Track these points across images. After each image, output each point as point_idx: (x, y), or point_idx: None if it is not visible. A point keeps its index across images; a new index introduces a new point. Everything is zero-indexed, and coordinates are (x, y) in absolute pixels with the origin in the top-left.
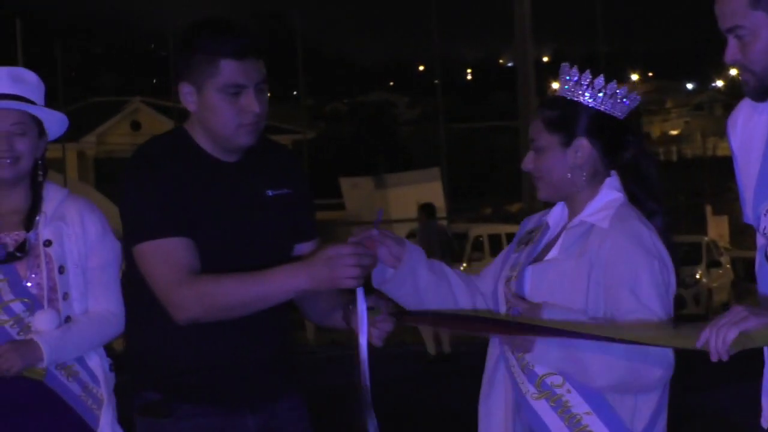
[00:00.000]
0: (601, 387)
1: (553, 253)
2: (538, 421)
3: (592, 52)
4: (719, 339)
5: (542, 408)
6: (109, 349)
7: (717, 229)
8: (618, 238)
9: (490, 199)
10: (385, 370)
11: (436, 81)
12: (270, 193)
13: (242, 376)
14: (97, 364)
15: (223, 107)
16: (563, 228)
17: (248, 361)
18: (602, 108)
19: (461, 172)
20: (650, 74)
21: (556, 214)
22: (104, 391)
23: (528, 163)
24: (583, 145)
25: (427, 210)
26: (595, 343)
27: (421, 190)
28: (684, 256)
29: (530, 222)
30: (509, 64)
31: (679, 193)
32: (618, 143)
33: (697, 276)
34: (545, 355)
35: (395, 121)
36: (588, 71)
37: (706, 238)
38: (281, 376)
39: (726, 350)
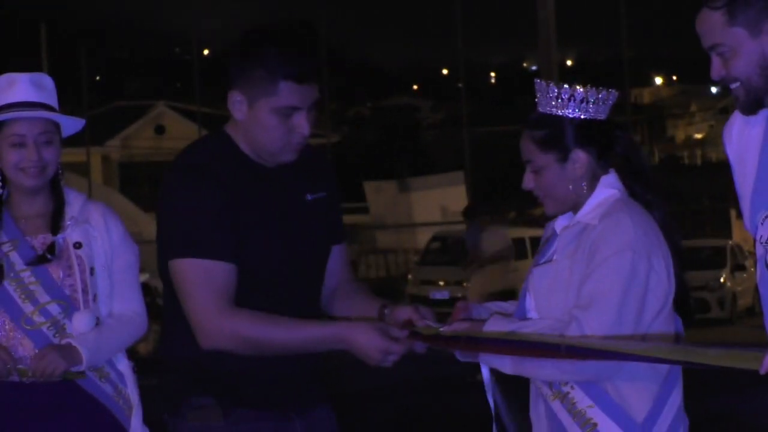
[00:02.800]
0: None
1: (550, 256)
2: (556, 421)
3: (615, 56)
4: None
5: (558, 408)
6: (132, 352)
7: (742, 232)
8: (599, 231)
9: (514, 203)
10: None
11: (460, 85)
12: (309, 197)
13: (291, 382)
14: (125, 366)
15: (273, 126)
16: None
17: (297, 368)
18: (586, 115)
19: (485, 176)
20: (674, 78)
21: (564, 219)
22: (133, 392)
23: (528, 183)
24: (579, 157)
25: (469, 212)
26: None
27: (444, 194)
28: (708, 260)
29: (548, 229)
30: (533, 68)
31: (703, 196)
32: (608, 143)
33: (722, 280)
34: (497, 359)
35: (419, 125)
36: (565, 85)
37: (730, 242)
38: (320, 384)
39: None
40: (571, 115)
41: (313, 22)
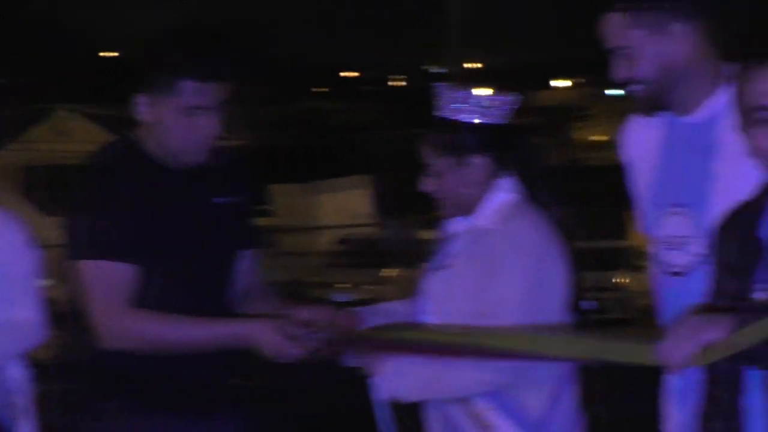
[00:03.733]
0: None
1: (446, 260)
2: (451, 422)
3: (520, 59)
4: (678, 353)
5: (455, 410)
6: (32, 358)
7: (638, 234)
8: (498, 236)
9: (420, 206)
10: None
11: (366, 87)
12: (218, 200)
13: (199, 384)
14: (18, 373)
15: (176, 126)
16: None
17: (205, 370)
18: (485, 120)
19: (390, 179)
20: (578, 80)
21: (458, 222)
22: (24, 399)
23: (427, 186)
24: (477, 162)
25: (395, 212)
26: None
27: (350, 197)
28: (607, 261)
29: (443, 233)
30: (440, 71)
31: (603, 198)
32: (507, 147)
33: (619, 281)
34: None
35: (325, 128)
36: (464, 90)
37: (627, 243)
38: (230, 386)
39: (686, 365)
40: (470, 120)
41: (227, 24)
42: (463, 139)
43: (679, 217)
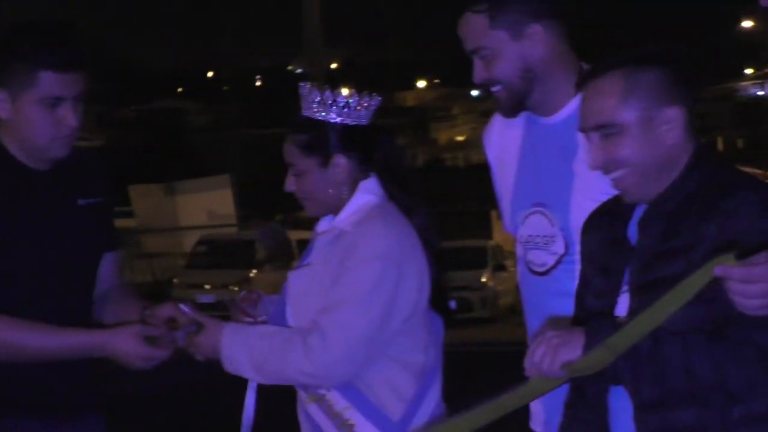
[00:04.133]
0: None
1: (307, 260)
2: (314, 424)
3: (381, 59)
4: (546, 367)
5: (314, 410)
6: None
7: (502, 233)
8: (352, 238)
9: (281, 206)
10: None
11: (226, 88)
12: (82, 201)
13: (61, 388)
14: None
15: (38, 119)
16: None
17: (67, 373)
18: (349, 121)
19: (252, 179)
20: (437, 81)
21: (324, 223)
22: None
23: (290, 185)
24: (340, 162)
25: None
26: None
27: (211, 198)
28: (471, 260)
29: (314, 233)
30: (299, 71)
31: (466, 198)
32: (370, 148)
33: (484, 279)
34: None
35: (185, 128)
36: (328, 90)
37: (491, 242)
38: (93, 389)
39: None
40: (333, 120)
41: (72, 22)
42: (327, 139)
43: (540, 216)
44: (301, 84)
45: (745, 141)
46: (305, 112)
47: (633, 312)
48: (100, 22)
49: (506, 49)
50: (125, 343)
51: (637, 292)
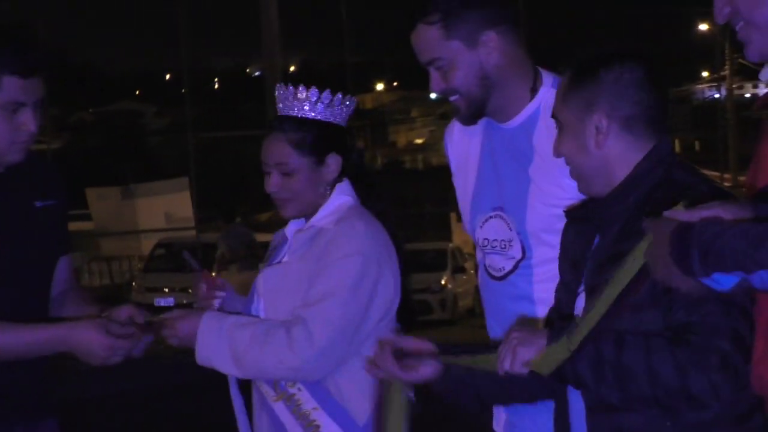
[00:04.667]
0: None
1: (283, 258)
2: (278, 423)
3: (339, 62)
4: (507, 366)
5: (280, 409)
6: None
7: (462, 235)
8: (332, 234)
9: (240, 209)
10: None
11: (184, 90)
12: (39, 204)
13: (16, 393)
14: None
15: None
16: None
17: (22, 378)
18: (337, 120)
19: (210, 182)
20: (395, 84)
21: (296, 224)
22: None
23: (274, 186)
24: (333, 161)
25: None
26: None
27: (169, 201)
28: (430, 263)
29: (277, 236)
30: (257, 73)
31: (425, 200)
32: (348, 150)
33: (443, 282)
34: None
35: (142, 131)
36: (314, 88)
37: (450, 245)
38: (49, 394)
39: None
40: (326, 119)
41: (32, 24)
42: (323, 138)
43: (499, 220)
44: (279, 85)
45: (702, 143)
46: (292, 112)
47: (585, 312)
48: (57, 24)
49: (462, 59)
50: (87, 334)
51: (589, 293)
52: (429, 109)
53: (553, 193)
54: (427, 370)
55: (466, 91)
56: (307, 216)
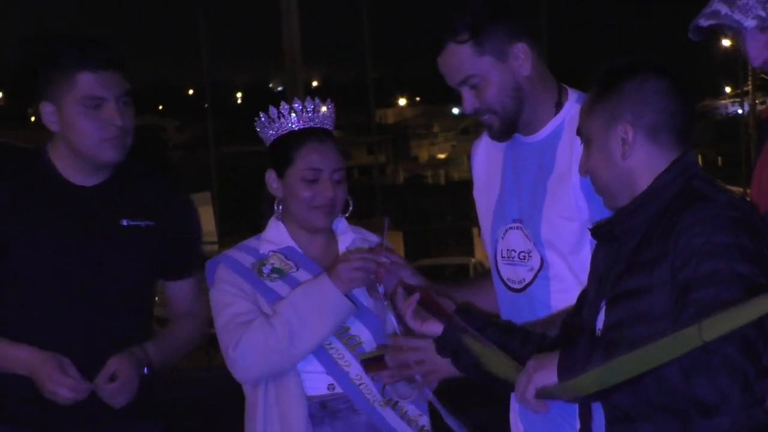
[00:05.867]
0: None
1: None
2: (387, 428)
3: (360, 77)
4: (522, 396)
5: (390, 416)
6: None
7: (483, 250)
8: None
9: (263, 223)
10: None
11: (206, 105)
12: (125, 222)
13: (78, 406)
14: None
15: (83, 121)
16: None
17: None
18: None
19: (233, 197)
20: (417, 99)
21: (285, 242)
22: None
23: (334, 194)
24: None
25: None
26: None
27: None
28: (452, 278)
29: (241, 258)
30: (279, 89)
31: (447, 215)
32: None
33: None
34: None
35: (165, 146)
36: (328, 101)
37: (473, 260)
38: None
39: (533, 404)
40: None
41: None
42: (346, 147)
43: (518, 232)
44: (300, 102)
45: (724, 158)
46: (325, 124)
47: (606, 327)
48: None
49: (495, 74)
50: (41, 368)
51: (609, 305)
52: (451, 123)
53: (566, 204)
54: (432, 328)
55: (501, 107)
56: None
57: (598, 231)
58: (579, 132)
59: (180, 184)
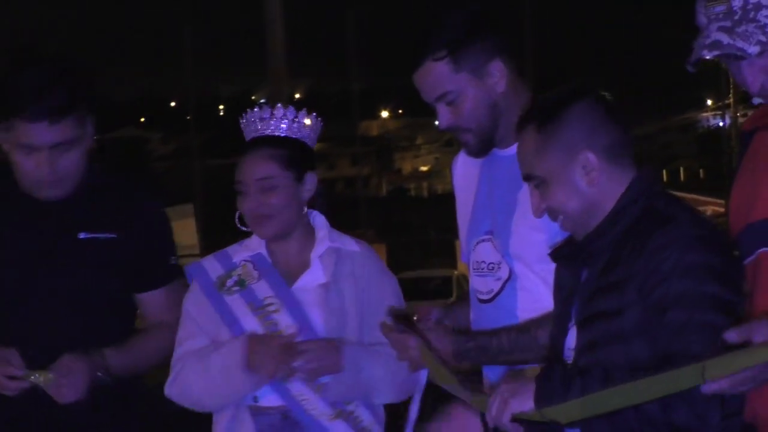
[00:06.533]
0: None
1: (311, 279)
2: None
3: (344, 89)
4: (497, 419)
5: (339, 428)
6: None
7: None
8: (374, 261)
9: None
10: None
11: (189, 116)
12: (83, 235)
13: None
14: None
15: (19, 160)
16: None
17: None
18: (308, 142)
19: (215, 209)
20: (401, 111)
21: (255, 246)
22: None
23: (254, 202)
24: (313, 178)
25: None
26: (377, 363)
27: (174, 227)
28: (436, 290)
29: (210, 268)
30: (262, 100)
31: (430, 227)
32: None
33: None
34: (337, 387)
35: (148, 157)
36: (291, 107)
37: (456, 272)
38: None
39: (509, 427)
40: (304, 139)
41: (70, 55)
42: (302, 154)
43: (488, 243)
44: (250, 110)
45: (706, 171)
46: (268, 131)
47: (579, 349)
48: (63, 50)
49: (471, 91)
50: None
51: (580, 326)
52: (434, 136)
53: (538, 220)
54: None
55: (476, 123)
56: (280, 238)
57: (558, 254)
58: (528, 178)
59: (151, 195)
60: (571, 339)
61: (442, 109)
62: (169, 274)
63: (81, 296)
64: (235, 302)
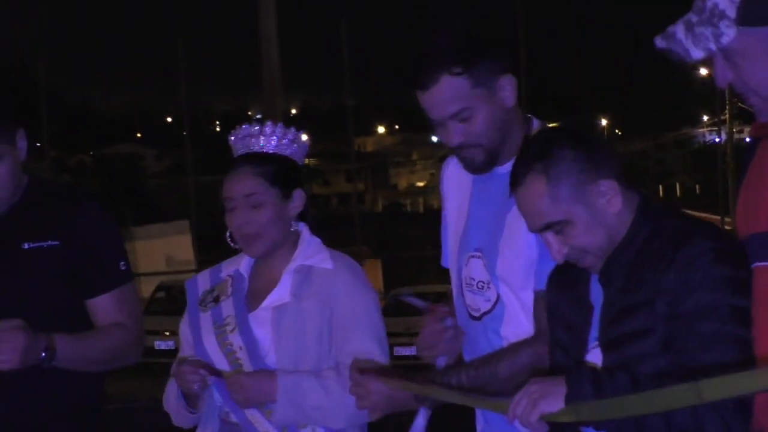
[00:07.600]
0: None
1: (276, 298)
2: None
3: (339, 105)
4: (524, 419)
5: None
6: None
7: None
8: (347, 278)
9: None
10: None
11: (184, 133)
12: (26, 245)
13: None
14: None
15: None
16: (268, 274)
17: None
18: (296, 158)
19: (211, 225)
20: (396, 127)
21: (244, 265)
22: None
23: (241, 219)
24: (301, 195)
25: None
26: (323, 389)
27: (170, 243)
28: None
29: (202, 283)
30: (258, 116)
31: (426, 243)
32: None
33: None
34: (282, 413)
35: (143, 174)
36: (280, 124)
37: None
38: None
39: (535, 427)
40: (292, 155)
41: (28, 67)
42: (290, 172)
43: (478, 261)
44: (239, 127)
45: (702, 187)
46: (256, 147)
47: (609, 368)
48: (57, 66)
49: (485, 106)
50: None
51: (607, 347)
52: (429, 151)
53: (524, 239)
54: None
55: (488, 139)
56: (269, 255)
57: (559, 282)
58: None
59: (93, 202)
60: (595, 360)
61: (454, 126)
62: (117, 277)
63: (30, 306)
64: (205, 319)
